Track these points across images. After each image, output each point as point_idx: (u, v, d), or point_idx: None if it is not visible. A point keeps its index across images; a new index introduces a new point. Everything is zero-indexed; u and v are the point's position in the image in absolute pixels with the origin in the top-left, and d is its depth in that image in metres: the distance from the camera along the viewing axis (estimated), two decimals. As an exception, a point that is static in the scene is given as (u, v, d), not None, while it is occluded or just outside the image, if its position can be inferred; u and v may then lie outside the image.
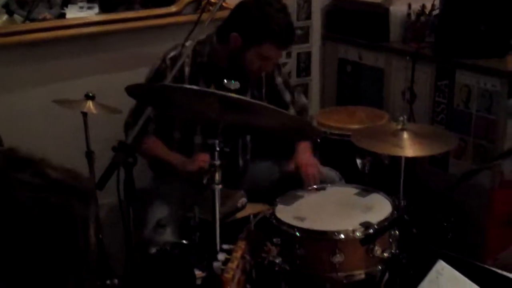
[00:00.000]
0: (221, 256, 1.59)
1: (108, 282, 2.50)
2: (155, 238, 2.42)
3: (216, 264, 1.55)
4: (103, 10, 3.21)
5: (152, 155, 2.62)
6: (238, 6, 2.61)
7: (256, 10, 2.52)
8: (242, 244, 1.64)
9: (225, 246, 1.63)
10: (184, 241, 2.22)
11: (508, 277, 1.65)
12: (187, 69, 2.58)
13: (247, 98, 1.93)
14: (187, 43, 2.54)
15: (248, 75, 2.66)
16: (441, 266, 1.63)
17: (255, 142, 2.82)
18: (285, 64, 3.66)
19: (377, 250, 2.15)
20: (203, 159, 2.39)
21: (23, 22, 2.97)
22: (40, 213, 0.96)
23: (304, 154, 2.70)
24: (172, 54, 2.56)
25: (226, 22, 2.61)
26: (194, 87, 2.34)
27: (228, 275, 1.47)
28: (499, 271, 1.71)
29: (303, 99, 2.98)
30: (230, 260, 1.55)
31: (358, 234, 2.13)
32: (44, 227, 0.96)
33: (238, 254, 1.58)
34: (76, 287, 1.02)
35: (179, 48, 2.55)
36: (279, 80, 2.84)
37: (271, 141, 2.80)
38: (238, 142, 2.75)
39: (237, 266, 1.54)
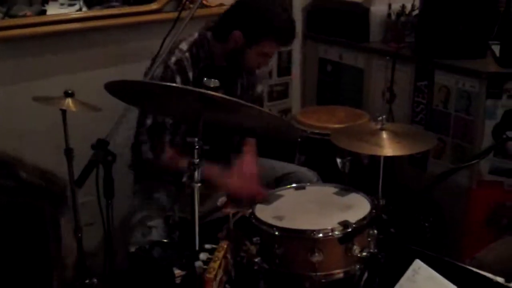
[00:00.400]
0: (203, 256, 1.59)
1: (87, 281, 2.48)
2: (142, 239, 2.41)
3: (198, 264, 1.55)
4: (88, 6, 3.20)
5: (176, 167, 2.43)
6: (238, 4, 2.62)
7: (258, 8, 2.54)
8: (224, 244, 1.64)
9: (207, 246, 1.64)
10: (163, 240, 2.22)
11: (483, 276, 1.67)
12: (190, 74, 2.58)
13: (226, 96, 1.92)
14: (182, 46, 2.53)
15: (246, 72, 2.72)
16: (418, 265, 1.64)
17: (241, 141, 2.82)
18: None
19: (356, 249, 2.15)
20: (263, 195, 2.41)
21: (3, 18, 2.94)
22: (10, 216, 0.95)
23: (238, 171, 2.60)
24: (173, 59, 2.54)
25: (225, 20, 2.61)
26: (173, 84, 2.34)
27: (210, 275, 1.47)
28: (475, 269, 1.73)
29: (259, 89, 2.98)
30: (212, 260, 1.55)
31: (336, 233, 2.13)
32: (13, 231, 0.95)
33: (220, 254, 1.58)
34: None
35: (177, 52, 2.54)
36: (259, 88, 2.87)
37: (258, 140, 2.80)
38: (225, 141, 2.74)
39: (219, 266, 1.54)
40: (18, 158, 1.02)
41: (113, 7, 3.14)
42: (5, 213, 0.95)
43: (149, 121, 2.55)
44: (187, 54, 2.57)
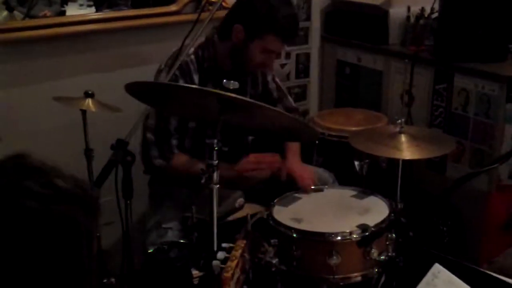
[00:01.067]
0: (221, 255, 1.59)
1: (105, 281, 2.49)
2: (158, 240, 2.42)
3: (215, 263, 1.55)
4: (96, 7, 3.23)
5: (187, 170, 2.50)
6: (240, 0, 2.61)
7: (260, 2, 2.51)
8: (241, 243, 1.64)
9: (224, 245, 1.63)
10: (181, 241, 2.23)
11: (503, 281, 1.66)
12: (195, 77, 2.58)
13: (246, 98, 1.93)
14: (190, 51, 2.53)
15: (250, 71, 2.69)
16: (437, 269, 1.64)
17: (256, 143, 2.82)
18: (284, 65, 3.67)
19: (374, 253, 2.14)
20: (272, 160, 2.49)
21: (23, 19, 2.97)
22: (47, 223, 0.96)
23: (294, 160, 2.70)
24: (177, 63, 2.54)
25: (228, 16, 2.60)
26: (194, 86, 2.35)
27: (227, 274, 1.47)
28: (495, 274, 1.72)
29: (289, 102, 2.97)
30: (230, 259, 1.55)
31: (355, 236, 2.13)
32: (50, 238, 0.96)
33: (237, 252, 1.58)
34: None
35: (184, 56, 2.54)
36: (269, 77, 2.85)
37: (271, 142, 2.80)
38: (240, 143, 2.75)
39: (237, 265, 1.54)
40: (54, 166, 1.03)
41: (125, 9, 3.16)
42: (42, 221, 0.96)
43: (152, 126, 2.55)
44: (192, 56, 2.57)
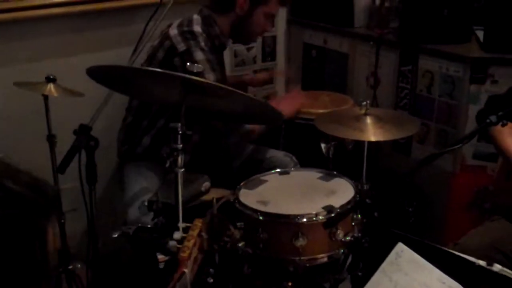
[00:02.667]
0: (177, 235, 1.57)
1: (70, 267, 2.48)
2: (141, 218, 2.40)
3: (171, 243, 1.54)
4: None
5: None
6: None
7: None
8: (198, 222, 1.62)
9: (181, 225, 1.62)
10: (147, 225, 2.21)
11: (466, 259, 1.68)
12: (213, 57, 2.60)
13: (209, 81, 1.91)
14: (195, 28, 2.56)
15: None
16: (401, 248, 1.65)
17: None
18: (250, 48, 3.65)
19: (340, 234, 2.16)
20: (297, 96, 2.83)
21: (-17, 3, 2.90)
22: None
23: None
24: (202, 43, 2.59)
25: None
26: (157, 69, 2.32)
27: (184, 254, 1.45)
28: (457, 253, 1.74)
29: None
30: (186, 239, 1.53)
31: (320, 217, 2.13)
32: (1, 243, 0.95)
33: (194, 232, 1.56)
34: None
35: (198, 36, 2.58)
36: None
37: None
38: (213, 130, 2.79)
39: (194, 244, 1.53)
40: (7, 164, 1.01)
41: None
42: None
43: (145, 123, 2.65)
44: (204, 35, 2.60)
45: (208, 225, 1.65)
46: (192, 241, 1.51)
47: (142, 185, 2.57)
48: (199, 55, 2.53)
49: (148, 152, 2.68)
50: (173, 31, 2.58)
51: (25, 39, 2.84)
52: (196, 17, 2.64)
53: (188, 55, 2.51)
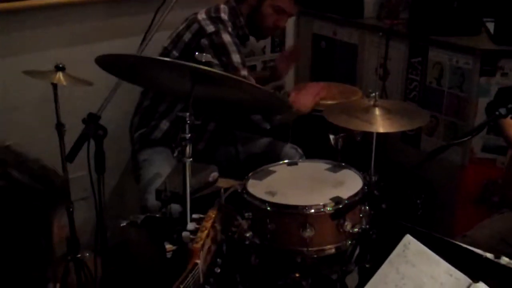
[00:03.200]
0: (191, 226, 1.58)
1: (79, 255, 2.48)
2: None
3: (185, 234, 1.54)
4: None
5: None
6: None
7: None
8: (212, 213, 1.62)
9: (195, 216, 1.62)
10: (156, 215, 2.21)
11: (473, 252, 1.67)
12: (238, 42, 2.70)
13: (217, 71, 1.91)
14: (222, 16, 2.67)
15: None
16: (408, 240, 1.64)
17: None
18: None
19: (348, 225, 2.15)
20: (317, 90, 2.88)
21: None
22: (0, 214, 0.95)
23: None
24: (230, 28, 2.69)
25: None
26: (166, 58, 2.32)
27: (197, 245, 1.46)
28: (465, 245, 1.74)
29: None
30: (200, 229, 1.54)
31: (328, 208, 2.13)
32: (3, 227, 0.95)
33: (208, 223, 1.57)
34: (40, 280, 1.01)
35: (226, 23, 2.67)
36: None
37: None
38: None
39: (207, 235, 1.53)
40: (16, 153, 1.02)
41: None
42: None
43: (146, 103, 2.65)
44: (230, 23, 2.70)
45: (221, 216, 1.65)
46: (206, 232, 1.52)
47: (159, 170, 2.57)
48: (227, 37, 2.64)
49: (167, 136, 2.70)
50: (202, 16, 2.70)
51: (34, 28, 2.84)
52: (223, 6, 2.74)
53: (217, 35, 2.64)
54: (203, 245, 1.47)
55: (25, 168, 1.01)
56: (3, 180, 0.98)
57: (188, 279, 1.39)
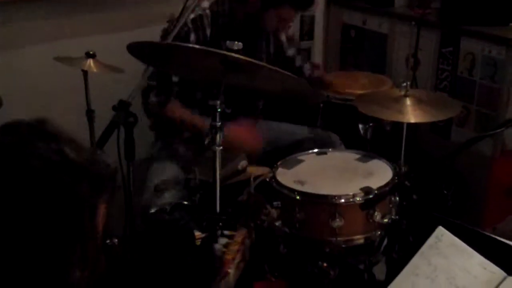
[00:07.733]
0: (222, 240, 1.60)
1: (108, 241, 2.50)
2: (154, 201, 2.42)
3: (217, 246, 1.56)
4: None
5: (176, 117, 2.58)
6: None
7: None
8: (243, 230, 1.66)
9: (226, 232, 1.64)
10: (184, 202, 2.22)
11: (506, 244, 1.65)
12: (208, 31, 2.60)
13: (249, 59, 1.89)
14: (204, 4, 2.57)
15: (264, 33, 2.79)
16: (441, 232, 1.63)
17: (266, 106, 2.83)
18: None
19: (377, 216, 2.14)
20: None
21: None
22: (46, 186, 0.96)
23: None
24: (192, 16, 2.53)
25: None
26: (197, 46, 2.32)
27: (229, 256, 1.49)
28: (498, 237, 1.71)
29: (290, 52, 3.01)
30: (231, 244, 1.57)
31: (358, 199, 2.12)
32: (46, 201, 0.96)
33: (239, 239, 1.60)
34: (80, 267, 1.02)
35: (197, 9, 2.54)
36: (283, 37, 2.85)
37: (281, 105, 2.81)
38: (248, 106, 2.77)
39: (238, 251, 1.56)
40: (73, 139, 1.03)
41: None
42: (41, 182, 0.96)
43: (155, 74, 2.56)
44: (207, 11, 2.60)
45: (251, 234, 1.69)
46: (237, 246, 1.55)
47: (162, 166, 2.59)
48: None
49: None
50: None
51: (66, 16, 2.86)
52: None
53: None
54: (233, 258, 1.50)
55: (79, 150, 1.02)
56: (57, 155, 0.98)
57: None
